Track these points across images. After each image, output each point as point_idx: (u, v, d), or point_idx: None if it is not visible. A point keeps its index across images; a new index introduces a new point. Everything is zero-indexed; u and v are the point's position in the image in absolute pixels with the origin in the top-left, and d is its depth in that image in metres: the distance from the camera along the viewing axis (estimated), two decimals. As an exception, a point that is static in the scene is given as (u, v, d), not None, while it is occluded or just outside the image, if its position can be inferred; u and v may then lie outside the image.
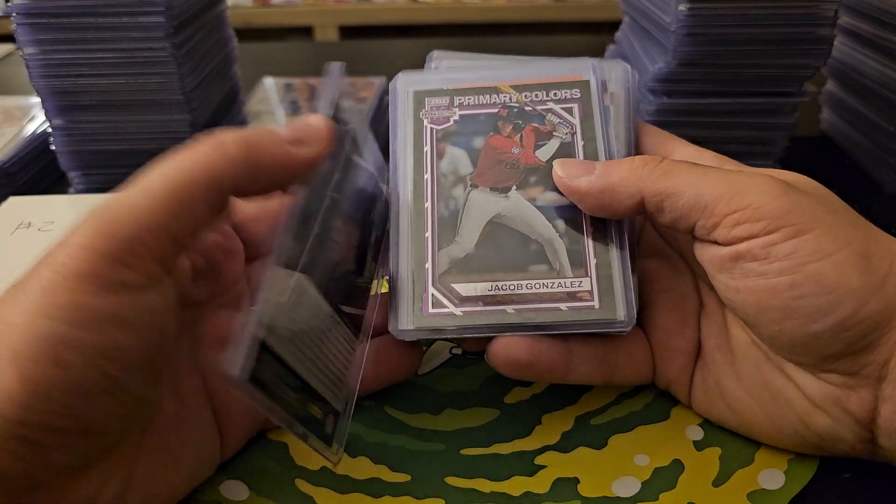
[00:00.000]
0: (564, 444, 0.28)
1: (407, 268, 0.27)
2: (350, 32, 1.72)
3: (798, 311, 0.23)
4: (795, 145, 0.46)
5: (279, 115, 0.51)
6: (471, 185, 0.29)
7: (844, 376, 0.24)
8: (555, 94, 0.30)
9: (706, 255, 0.25)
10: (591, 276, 0.27)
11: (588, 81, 0.30)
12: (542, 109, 0.30)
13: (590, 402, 0.30)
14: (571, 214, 0.28)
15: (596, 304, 0.26)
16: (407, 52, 0.80)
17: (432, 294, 0.27)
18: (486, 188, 0.29)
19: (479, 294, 0.27)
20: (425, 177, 0.29)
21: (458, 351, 0.33)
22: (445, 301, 0.27)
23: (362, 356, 0.27)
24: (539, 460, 0.27)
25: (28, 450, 0.19)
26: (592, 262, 0.27)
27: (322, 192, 0.24)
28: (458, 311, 0.26)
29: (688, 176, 0.25)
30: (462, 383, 0.31)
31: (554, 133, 0.30)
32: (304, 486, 0.26)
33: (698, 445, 0.28)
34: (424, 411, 0.30)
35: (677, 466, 0.27)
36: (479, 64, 0.33)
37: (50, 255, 0.20)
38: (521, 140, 0.30)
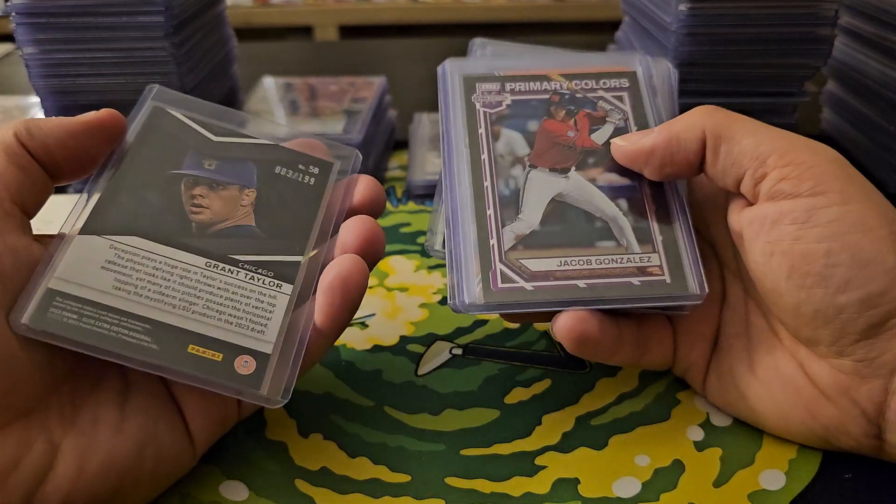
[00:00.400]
0: (565, 445, 0.28)
1: (470, 244, 0.27)
2: (350, 32, 1.72)
3: (829, 280, 0.23)
4: (796, 145, 0.46)
5: (279, 115, 0.51)
6: (529, 166, 0.29)
7: (858, 363, 0.24)
8: (604, 83, 0.31)
9: (746, 217, 0.26)
10: (658, 252, 0.27)
11: (636, 72, 0.31)
12: (593, 97, 0.31)
13: (590, 402, 0.30)
14: (633, 194, 0.28)
15: (667, 278, 0.27)
16: (407, 52, 0.80)
17: (500, 270, 0.27)
18: (545, 168, 0.29)
19: (549, 269, 0.27)
20: (482, 157, 0.29)
21: (458, 351, 0.33)
22: (515, 276, 0.27)
23: (297, 300, 0.27)
24: (539, 460, 0.27)
25: None
26: (659, 238, 0.27)
27: (157, 174, 0.28)
28: (528, 285, 0.26)
29: (747, 125, 0.26)
30: (462, 383, 0.31)
31: (607, 119, 0.30)
32: (303, 486, 0.26)
33: (699, 446, 0.28)
34: (424, 411, 0.30)
35: (678, 467, 0.27)
36: (523, 53, 0.34)
37: None
38: (575, 124, 0.30)
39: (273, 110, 0.51)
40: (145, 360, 0.24)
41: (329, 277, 0.26)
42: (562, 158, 0.29)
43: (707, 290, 0.26)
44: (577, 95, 0.31)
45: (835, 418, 0.25)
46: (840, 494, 0.25)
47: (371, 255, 0.28)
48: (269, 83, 0.56)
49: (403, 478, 0.27)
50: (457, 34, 1.66)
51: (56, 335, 0.23)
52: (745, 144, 0.25)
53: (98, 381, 0.25)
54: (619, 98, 0.31)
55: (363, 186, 0.30)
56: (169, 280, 0.25)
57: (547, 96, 0.31)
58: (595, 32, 1.03)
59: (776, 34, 0.41)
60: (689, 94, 0.43)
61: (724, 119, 0.26)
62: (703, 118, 0.26)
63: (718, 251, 0.30)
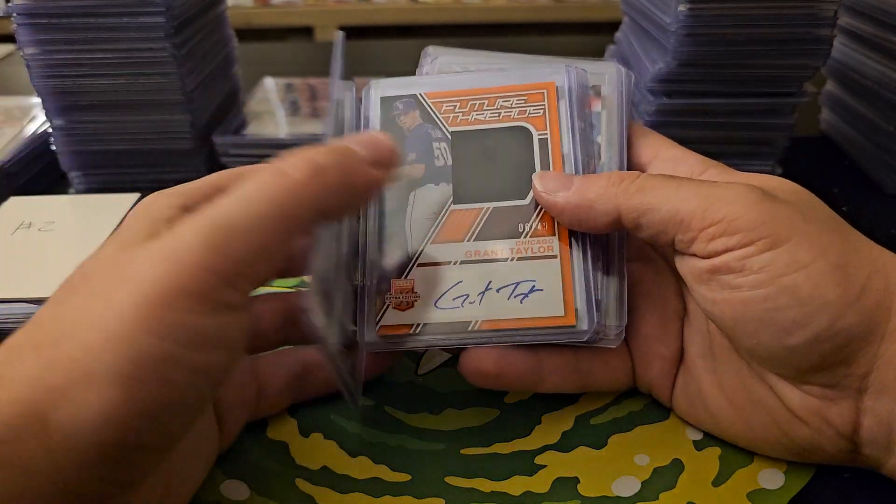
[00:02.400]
0: (564, 444, 0.28)
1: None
2: (350, 32, 1.71)
3: (773, 324, 0.23)
4: (795, 146, 0.46)
5: (280, 116, 0.51)
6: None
7: (824, 388, 0.24)
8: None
9: (685, 267, 0.25)
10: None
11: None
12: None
13: (590, 401, 0.30)
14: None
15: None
16: (407, 52, 0.79)
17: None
18: None
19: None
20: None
21: (458, 351, 0.33)
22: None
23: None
24: (539, 460, 0.27)
25: (111, 469, 0.18)
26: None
27: None
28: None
29: (662, 191, 0.25)
30: (462, 383, 0.31)
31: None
32: (304, 485, 0.26)
33: (698, 445, 0.28)
34: (424, 411, 0.30)
35: (677, 466, 0.27)
36: (467, 62, 0.32)
37: (133, 264, 0.19)
38: None
39: (274, 111, 0.51)
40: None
41: None
42: None
43: (597, 324, 0.26)
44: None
45: (810, 437, 0.25)
46: (838, 494, 0.26)
47: None
48: (270, 84, 0.56)
49: (404, 477, 0.27)
50: (457, 34, 1.66)
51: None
52: (665, 212, 0.24)
53: None
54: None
55: None
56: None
57: None
58: (595, 33, 1.03)
59: (775, 35, 0.41)
60: (689, 95, 0.43)
61: (637, 192, 0.25)
62: (617, 195, 0.25)
63: (675, 269, 0.29)
